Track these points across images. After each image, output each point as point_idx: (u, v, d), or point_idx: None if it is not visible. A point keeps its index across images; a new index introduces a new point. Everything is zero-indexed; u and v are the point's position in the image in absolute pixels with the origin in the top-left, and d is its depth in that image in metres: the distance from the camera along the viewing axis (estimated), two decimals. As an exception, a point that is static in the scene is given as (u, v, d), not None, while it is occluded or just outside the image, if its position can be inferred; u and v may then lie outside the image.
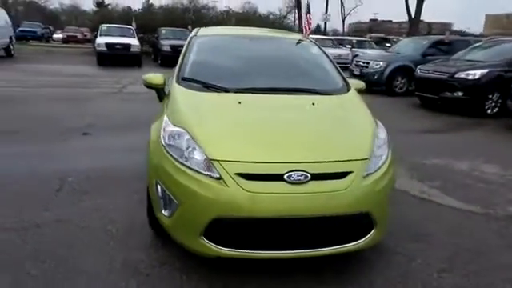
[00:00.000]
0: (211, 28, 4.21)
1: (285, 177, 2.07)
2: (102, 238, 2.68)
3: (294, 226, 2.09)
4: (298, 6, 21.68)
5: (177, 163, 2.18)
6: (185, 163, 2.16)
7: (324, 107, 2.74)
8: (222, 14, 23.66)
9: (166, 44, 15.44)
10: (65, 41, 31.14)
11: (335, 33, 44.23)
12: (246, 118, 2.52)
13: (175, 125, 2.39)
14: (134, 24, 17.98)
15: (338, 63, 12.33)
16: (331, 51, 16.99)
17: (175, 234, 2.24)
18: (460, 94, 7.56)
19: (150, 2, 27.25)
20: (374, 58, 10.84)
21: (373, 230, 2.27)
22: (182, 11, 22.44)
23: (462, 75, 7.54)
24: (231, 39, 3.71)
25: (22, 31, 30.23)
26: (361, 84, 3.49)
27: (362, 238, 2.25)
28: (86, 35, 32.10)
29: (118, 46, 14.61)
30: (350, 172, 2.19)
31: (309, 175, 2.10)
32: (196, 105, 2.63)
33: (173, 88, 2.87)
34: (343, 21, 41.96)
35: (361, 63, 10.59)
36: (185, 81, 2.93)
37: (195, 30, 3.80)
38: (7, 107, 6.87)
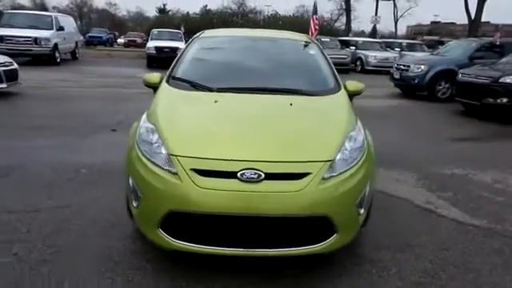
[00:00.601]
0: (217, 30, 4.32)
1: (238, 174, 2.10)
2: (89, 226, 2.88)
3: (247, 224, 2.10)
4: (348, 9, 21.21)
5: (143, 158, 2.30)
6: (150, 158, 2.27)
7: (301, 108, 2.71)
8: (269, 17, 23.89)
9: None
10: (126, 45, 33.26)
11: (391, 36, 42.59)
12: (215, 117, 2.58)
13: (149, 121, 2.51)
14: (182, 28, 18.76)
15: (383, 67, 12.21)
16: (377, 54, 16.52)
17: (139, 225, 2.35)
18: (504, 100, 6.95)
19: (208, 7, 28.23)
20: (415, 61, 10.29)
21: (334, 235, 2.21)
22: (231, 15, 23.03)
23: (507, 80, 6.93)
24: (230, 40, 3.78)
25: (90, 37, 32.88)
26: (359, 86, 3.38)
27: (321, 242, 2.20)
28: (145, 40, 34.06)
29: (166, 50, 15.35)
30: (308, 173, 2.15)
31: (262, 174, 2.10)
32: (175, 103, 2.74)
33: (160, 87, 3.01)
34: (396, 23, 40.23)
35: (401, 66, 10.11)
36: (175, 80, 3.06)
37: (201, 31, 3.93)
38: (56, 104, 7.54)
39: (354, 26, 41.51)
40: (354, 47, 17.59)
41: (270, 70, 3.26)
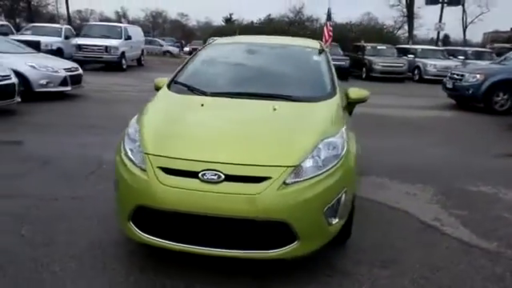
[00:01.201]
0: (233, 37, 4.45)
1: (199, 175, 2.18)
2: (92, 216, 3.15)
3: (207, 223, 2.17)
4: (409, 16, 20.20)
5: (124, 155, 2.48)
6: (130, 156, 2.45)
7: (283, 113, 2.71)
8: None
9: None
10: (190, 53, 35.07)
11: (467, 43, 39.47)
12: (193, 119, 2.70)
13: (137, 122, 2.70)
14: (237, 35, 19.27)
15: (443, 76, 11.38)
16: (437, 63, 15.52)
17: (116, 217, 2.54)
18: None
19: (272, 16, 28.67)
20: (470, 69, 9.51)
21: (295, 242, 2.20)
22: (287, 24, 23.18)
23: None
24: (238, 47, 3.89)
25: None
26: (362, 93, 3.31)
27: (280, 247, 2.20)
28: (206, 48, 35.66)
29: None
30: (268, 178, 2.17)
31: (223, 175, 2.17)
32: (164, 106, 2.92)
33: (160, 90, 3.21)
34: (464, 29, 37.12)
35: (455, 75, 9.40)
36: (176, 84, 3.23)
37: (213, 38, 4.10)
38: (110, 106, 8.23)
39: (422, 33, 39.28)
40: (412, 55, 16.73)
41: (268, 76, 3.31)
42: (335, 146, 2.45)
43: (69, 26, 18.12)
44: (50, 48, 15.62)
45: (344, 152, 2.47)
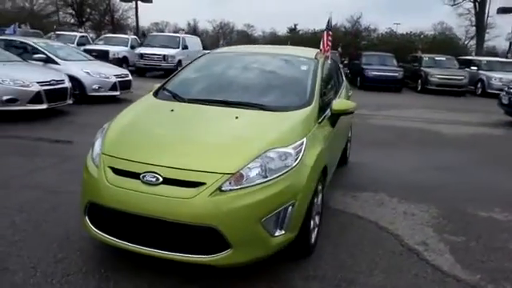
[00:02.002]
0: (231, 46, 4.55)
1: (140, 176, 2.29)
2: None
3: (146, 224, 2.25)
4: (478, 25, 18.59)
5: (90, 153, 2.68)
6: (92, 155, 2.63)
7: (242, 122, 2.71)
8: (383, 35, 22.60)
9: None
10: (251, 62, 35.84)
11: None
12: (155, 123, 2.82)
13: (109, 123, 2.89)
14: (339, 49, 19.19)
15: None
16: (503, 76, 14.07)
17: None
18: None
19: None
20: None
21: (228, 250, 2.20)
22: (343, 34, 22.66)
23: None
24: (232, 56, 3.97)
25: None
26: (346, 105, 3.21)
27: (213, 254, 2.21)
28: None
29: None
30: (203, 183, 2.21)
31: (161, 178, 2.25)
32: (140, 109, 3.09)
33: (146, 95, 3.39)
34: None
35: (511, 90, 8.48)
36: (163, 90, 3.39)
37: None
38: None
39: (497, 43, 35.79)
40: (476, 67, 15.38)
41: (248, 85, 3.34)
42: (284, 156, 2.41)
43: (135, 37, 19.58)
44: (116, 56, 17.11)
45: (295, 164, 2.42)
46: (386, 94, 14.27)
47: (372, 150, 5.98)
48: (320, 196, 2.94)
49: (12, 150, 5.10)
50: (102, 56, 15.55)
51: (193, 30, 52.35)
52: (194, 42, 19.23)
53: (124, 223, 2.34)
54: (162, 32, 40.63)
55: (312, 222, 2.75)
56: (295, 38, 23.76)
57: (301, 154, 2.50)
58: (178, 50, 16.82)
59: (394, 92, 15.14)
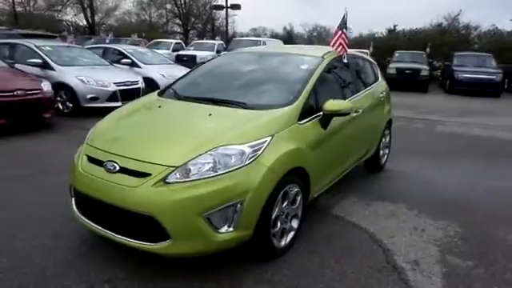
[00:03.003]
0: (254, 47, 4.53)
1: (103, 164, 2.49)
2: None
3: (104, 208, 2.43)
4: None
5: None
6: (83, 142, 2.93)
7: (213, 119, 2.74)
8: (486, 34, 19.71)
9: (392, 67, 15.43)
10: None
11: None
12: (139, 117, 3.03)
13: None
14: (371, 48, 18.28)
15: None
16: None
17: None
18: None
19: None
20: None
21: (168, 240, 2.27)
22: (438, 33, 20.50)
23: None
24: (241, 56, 4.00)
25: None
26: (340, 105, 3.01)
27: (155, 242, 2.30)
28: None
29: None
30: (149, 174, 2.31)
31: (118, 167, 2.42)
32: (135, 105, 3.32)
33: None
34: None
35: None
36: (169, 88, 3.60)
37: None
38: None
39: None
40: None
41: (242, 84, 3.34)
42: (237, 154, 2.39)
43: (221, 42, 20.68)
44: (203, 60, 18.34)
45: (248, 162, 2.38)
46: (478, 100, 12.61)
47: (421, 159, 5.41)
48: (298, 198, 2.82)
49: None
50: (191, 60, 16.88)
51: (287, 35, 53.08)
52: (275, 46, 19.58)
53: (90, 206, 2.57)
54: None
55: (279, 225, 2.66)
56: (392, 39, 22.29)
57: (259, 153, 2.44)
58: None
59: (491, 97, 13.28)
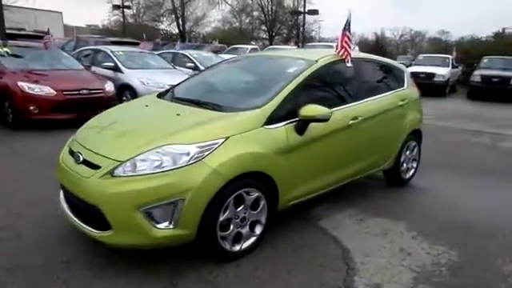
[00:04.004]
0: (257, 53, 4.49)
1: (74, 155, 2.73)
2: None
3: (74, 197, 2.66)
4: None
5: None
6: None
7: (177, 118, 2.83)
8: None
9: (476, 74, 13.82)
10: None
11: None
12: (125, 114, 3.21)
13: None
14: (454, 53, 16.52)
15: None
16: None
17: None
18: None
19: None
20: None
21: (110, 230, 2.41)
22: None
23: None
24: (238, 60, 4.08)
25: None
26: (317, 111, 2.87)
27: (102, 231, 2.46)
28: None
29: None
30: (99, 166, 2.48)
31: (81, 158, 2.64)
32: (129, 104, 3.56)
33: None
34: None
35: None
36: (168, 91, 3.77)
37: None
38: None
39: None
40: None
41: (228, 87, 3.41)
42: (181, 153, 2.43)
43: (295, 47, 20.70)
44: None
45: (191, 162, 2.41)
46: None
47: (459, 177, 4.81)
48: (261, 204, 2.75)
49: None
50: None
51: (376, 40, 50.98)
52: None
53: (65, 195, 2.84)
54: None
55: (232, 228, 2.64)
56: (498, 43, 19.84)
57: (206, 154, 2.46)
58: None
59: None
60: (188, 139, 2.51)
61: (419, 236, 3.17)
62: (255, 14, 44.72)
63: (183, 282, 2.46)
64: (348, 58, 3.56)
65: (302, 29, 45.48)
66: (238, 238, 2.72)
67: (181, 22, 34.33)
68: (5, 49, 7.82)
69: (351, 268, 2.67)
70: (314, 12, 25.60)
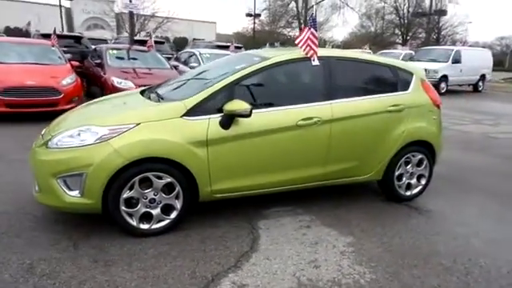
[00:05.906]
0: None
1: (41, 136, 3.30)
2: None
3: None
4: None
5: None
6: None
7: (120, 106, 3.30)
8: None
9: None
10: None
11: None
12: (102, 107, 3.57)
13: None
14: None
15: None
16: None
17: None
18: None
19: None
20: None
21: (38, 191, 2.94)
22: None
23: None
24: (220, 60, 4.23)
25: None
26: (239, 107, 2.90)
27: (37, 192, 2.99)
28: None
29: None
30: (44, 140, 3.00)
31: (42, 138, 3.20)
32: (111, 97, 4.02)
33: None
34: None
35: None
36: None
37: None
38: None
39: None
40: None
41: (190, 83, 3.59)
42: (94, 133, 2.78)
43: (409, 51, 19.00)
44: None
45: (100, 141, 2.73)
46: None
47: (470, 198, 3.95)
48: (176, 189, 2.90)
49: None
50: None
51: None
52: (476, 57, 16.38)
53: None
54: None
55: (140, 207, 2.86)
56: None
57: (113, 135, 2.75)
58: (444, 64, 15.07)
59: None
60: (103, 122, 2.85)
61: (351, 253, 2.82)
62: (387, 17, 42.65)
63: (84, 244, 2.80)
64: (314, 56, 3.34)
65: (446, 32, 41.24)
66: (149, 217, 2.91)
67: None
68: (114, 51, 9.54)
69: (237, 266, 2.59)
70: (442, 13, 22.92)
